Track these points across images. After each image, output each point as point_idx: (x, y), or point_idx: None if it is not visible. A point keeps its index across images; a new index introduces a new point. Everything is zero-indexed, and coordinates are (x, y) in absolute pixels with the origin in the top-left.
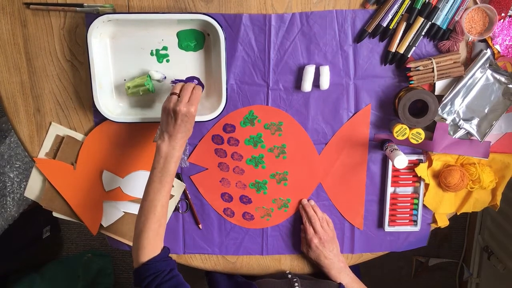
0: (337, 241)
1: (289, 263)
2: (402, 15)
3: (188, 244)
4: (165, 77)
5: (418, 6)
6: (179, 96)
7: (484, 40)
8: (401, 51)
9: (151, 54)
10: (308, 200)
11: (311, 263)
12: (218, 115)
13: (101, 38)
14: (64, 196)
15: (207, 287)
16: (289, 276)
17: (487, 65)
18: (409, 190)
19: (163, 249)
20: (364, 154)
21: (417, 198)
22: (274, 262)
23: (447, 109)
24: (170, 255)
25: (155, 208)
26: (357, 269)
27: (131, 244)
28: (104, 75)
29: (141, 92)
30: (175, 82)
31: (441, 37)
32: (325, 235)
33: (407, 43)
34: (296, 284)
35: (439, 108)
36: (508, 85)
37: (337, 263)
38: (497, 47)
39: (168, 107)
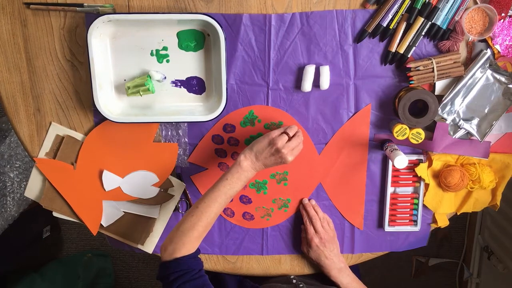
0: (337, 241)
1: (289, 263)
2: (402, 15)
3: None
4: (165, 77)
5: (418, 6)
6: (289, 138)
7: (484, 40)
8: (401, 51)
9: (151, 54)
10: (309, 200)
11: (311, 263)
12: (218, 115)
13: (101, 38)
14: (64, 196)
15: None
16: (294, 281)
17: (487, 65)
18: (409, 190)
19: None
20: (364, 154)
21: (417, 198)
22: (274, 262)
23: (447, 109)
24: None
25: (208, 214)
26: (357, 269)
27: (131, 244)
28: (104, 75)
29: (141, 92)
30: (175, 82)
31: (441, 37)
32: (325, 235)
33: (407, 43)
34: None
35: (439, 108)
36: (508, 85)
37: (338, 263)
38: (497, 47)
39: (275, 142)
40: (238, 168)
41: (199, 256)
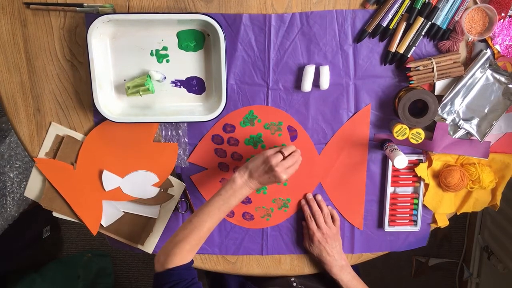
0: (340, 239)
1: (289, 263)
2: (402, 15)
3: None
4: (165, 77)
5: (418, 6)
6: (284, 158)
7: (484, 40)
8: (401, 51)
9: (151, 54)
10: (315, 195)
11: (311, 263)
12: (218, 115)
13: (101, 38)
14: (64, 196)
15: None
16: (294, 284)
17: (487, 65)
18: (409, 190)
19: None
20: (364, 154)
21: (417, 198)
22: (274, 262)
23: (447, 109)
24: None
25: (202, 228)
26: (357, 269)
27: (131, 244)
28: (104, 75)
29: (141, 92)
30: (175, 82)
31: (441, 37)
32: (328, 231)
33: (407, 43)
34: None
35: (439, 108)
36: (508, 85)
37: (339, 261)
38: (497, 47)
39: (268, 160)
40: (232, 185)
41: (192, 266)
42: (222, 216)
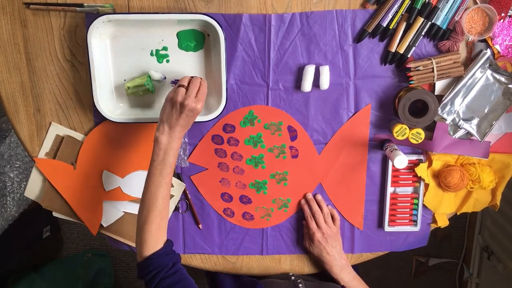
0: (340, 238)
1: (289, 263)
2: (402, 15)
3: (188, 244)
4: (165, 78)
5: (418, 6)
6: (186, 89)
7: (484, 40)
8: (401, 51)
9: (151, 54)
10: (314, 195)
11: (311, 263)
12: (218, 115)
13: (101, 38)
14: (64, 196)
15: (207, 287)
16: (293, 278)
17: (487, 65)
18: (409, 190)
19: (166, 242)
20: (364, 154)
21: (417, 198)
22: (274, 262)
23: (447, 109)
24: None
25: (156, 201)
26: (357, 269)
27: (131, 244)
28: (104, 75)
29: (141, 93)
30: (175, 82)
31: (441, 37)
32: (328, 230)
33: (407, 43)
34: (300, 285)
35: (439, 108)
36: (508, 85)
37: (339, 260)
38: (497, 47)
39: (175, 99)
40: (159, 146)
41: (172, 250)
42: (168, 178)
